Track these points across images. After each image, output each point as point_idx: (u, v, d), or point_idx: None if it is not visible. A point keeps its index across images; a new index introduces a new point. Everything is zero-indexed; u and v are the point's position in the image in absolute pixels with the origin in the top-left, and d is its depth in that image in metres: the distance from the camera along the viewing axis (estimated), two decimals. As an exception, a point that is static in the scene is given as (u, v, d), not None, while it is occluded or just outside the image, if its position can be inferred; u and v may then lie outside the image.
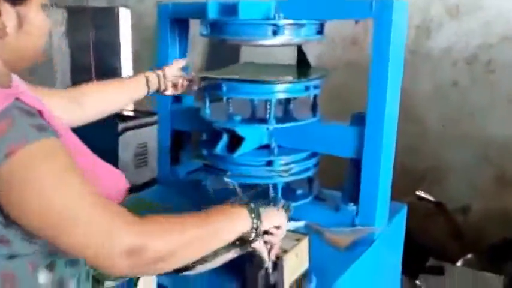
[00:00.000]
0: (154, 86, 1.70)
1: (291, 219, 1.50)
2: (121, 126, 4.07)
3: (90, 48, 4.77)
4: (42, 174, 0.94)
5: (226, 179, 1.80)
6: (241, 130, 1.71)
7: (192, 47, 2.76)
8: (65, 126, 1.12)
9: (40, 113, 1.01)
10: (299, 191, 1.91)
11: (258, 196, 1.81)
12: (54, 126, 1.02)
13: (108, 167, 1.24)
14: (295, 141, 1.81)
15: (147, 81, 1.67)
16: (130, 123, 4.14)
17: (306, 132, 1.79)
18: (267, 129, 1.77)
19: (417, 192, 3.09)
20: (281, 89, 1.71)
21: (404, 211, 1.93)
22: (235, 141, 1.72)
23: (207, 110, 1.83)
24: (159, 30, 2.03)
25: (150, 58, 2.69)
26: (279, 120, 1.75)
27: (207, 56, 4.15)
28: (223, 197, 1.76)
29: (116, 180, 1.25)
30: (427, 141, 3.34)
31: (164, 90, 1.74)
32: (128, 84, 1.67)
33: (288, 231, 1.44)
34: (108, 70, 4.95)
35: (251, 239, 1.22)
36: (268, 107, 1.71)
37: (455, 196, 3.21)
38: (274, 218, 1.29)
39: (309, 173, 1.85)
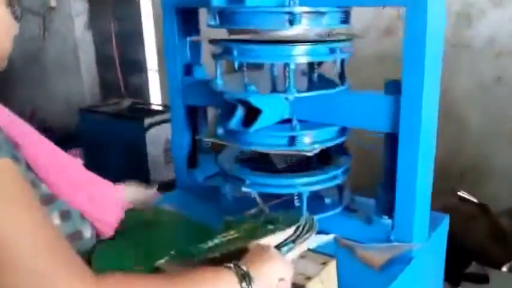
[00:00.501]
0: None
1: (318, 232, 1.36)
2: (147, 121, 4.03)
3: (113, 39, 4.69)
4: None
5: (244, 189, 1.64)
6: (256, 101, 1.50)
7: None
8: (28, 131, 0.96)
9: None
10: (327, 200, 1.73)
11: (280, 207, 1.67)
12: (12, 137, 0.87)
13: (95, 176, 1.15)
14: (320, 114, 1.58)
15: None
16: (158, 118, 4.09)
17: (332, 103, 1.56)
18: (287, 99, 1.56)
19: (459, 193, 2.93)
20: (301, 52, 1.49)
21: (446, 222, 1.74)
22: (252, 115, 1.52)
23: (219, 80, 1.64)
24: (164, 21, 1.87)
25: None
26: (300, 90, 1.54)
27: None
28: (243, 207, 1.61)
29: (106, 189, 1.16)
30: (467, 142, 3.17)
31: None
32: None
33: (312, 250, 1.30)
34: (132, 62, 4.88)
35: None
36: (287, 73, 1.50)
37: (498, 199, 3.04)
38: (273, 276, 1.09)
39: (338, 180, 1.66)
